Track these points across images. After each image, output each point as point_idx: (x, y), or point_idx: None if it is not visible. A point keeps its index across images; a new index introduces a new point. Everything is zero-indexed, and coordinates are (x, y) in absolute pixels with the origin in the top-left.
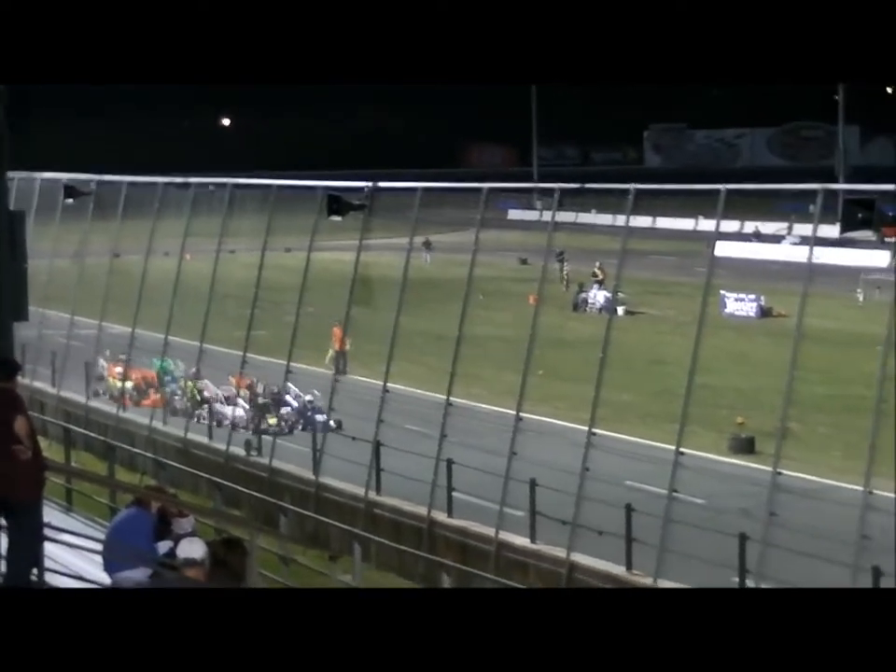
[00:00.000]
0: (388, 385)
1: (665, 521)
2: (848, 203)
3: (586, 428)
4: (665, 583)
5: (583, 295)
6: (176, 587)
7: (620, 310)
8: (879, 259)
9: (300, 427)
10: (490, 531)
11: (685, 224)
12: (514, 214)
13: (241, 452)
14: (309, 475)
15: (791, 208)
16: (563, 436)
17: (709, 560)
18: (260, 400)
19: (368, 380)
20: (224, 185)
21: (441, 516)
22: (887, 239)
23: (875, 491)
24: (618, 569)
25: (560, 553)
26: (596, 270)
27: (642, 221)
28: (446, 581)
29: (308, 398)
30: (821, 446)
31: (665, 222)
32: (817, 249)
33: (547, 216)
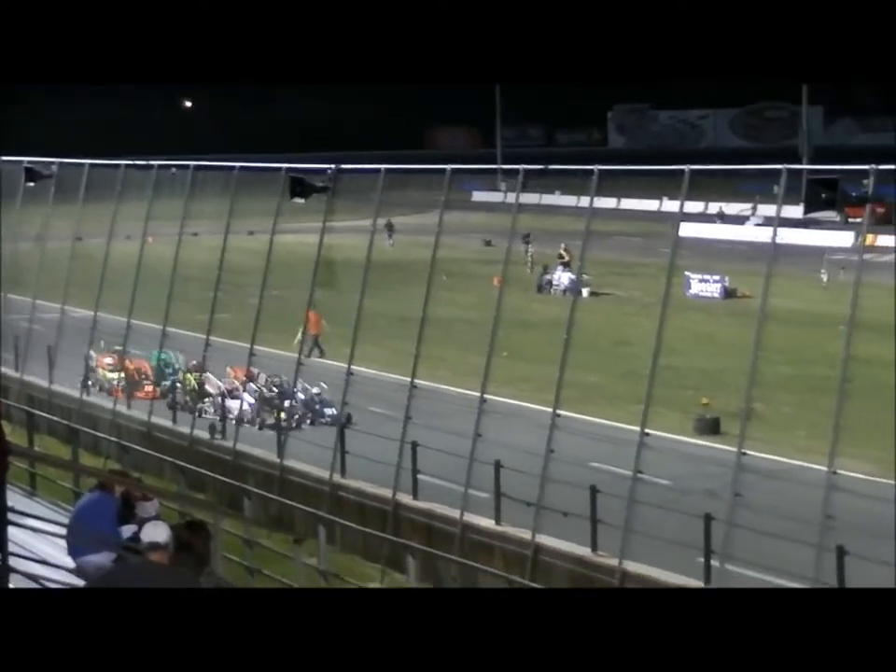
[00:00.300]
0: (352, 367)
1: (629, 502)
2: (812, 183)
3: (551, 410)
4: (669, 579)
5: (548, 276)
6: (172, 587)
7: (584, 291)
8: (843, 239)
9: (308, 422)
10: (455, 513)
11: (649, 205)
12: (478, 195)
13: (205, 435)
14: (273, 458)
15: (755, 189)
16: (527, 417)
17: (674, 541)
18: (266, 393)
19: (332, 362)
20: (186, 167)
21: (405, 498)
22: (851, 219)
23: (839, 471)
24: (583, 550)
25: (525, 534)
26: (562, 251)
27: (606, 202)
28: (411, 564)
29: (315, 390)
30: (786, 426)
31: (629, 203)
32: (781, 230)
33: (511, 197)
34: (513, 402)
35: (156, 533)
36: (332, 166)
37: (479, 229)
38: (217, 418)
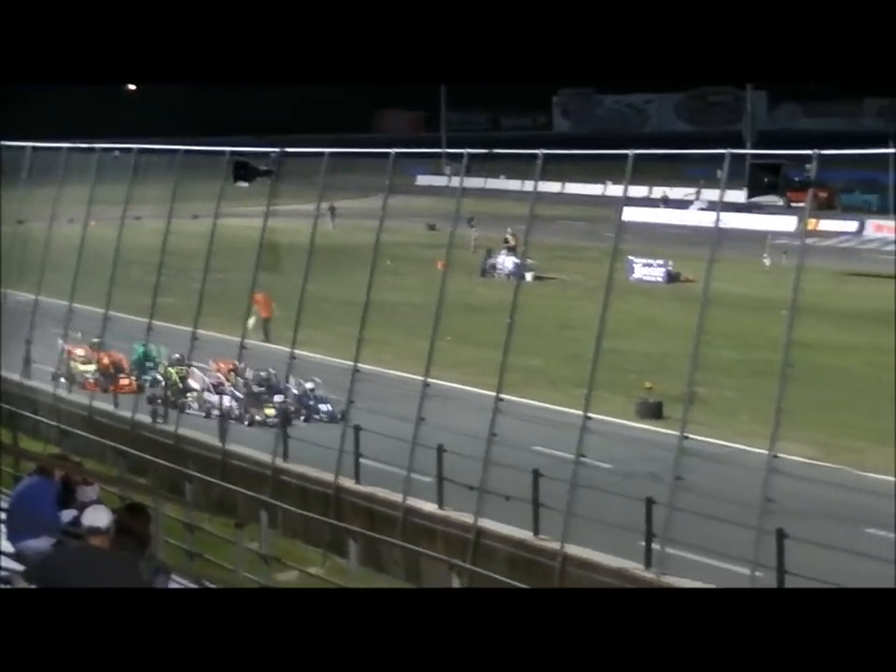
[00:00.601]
0: (296, 351)
1: (572, 486)
2: (755, 168)
3: (494, 394)
4: (610, 563)
5: (492, 260)
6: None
7: (528, 275)
8: (786, 223)
9: (301, 418)
10: (397, 497)
11: (594, 189)
12: (423, 179)
13: (146, 419)
14: (215, 442)
15: (699, 173)
16: (471, 401)
17: (616, 524)
18: (255, 389)
19: (276, 346)
20: (129, 150)
21: (348, 483)
22: (793, 204)
23: (780, 455)
24: (525, 534)
25: (468, 518)
26: (508, 235)
27: (551, 187)
28: (353, 548)
29: (309, 385)
30: (728, 410)
31: (573, 187)
32: (724, 214)
33: (455, 181)
34: (457, 386)
35: (97, 517)
36: (276, 150)
37: (423, 213)
38: (203, 415)
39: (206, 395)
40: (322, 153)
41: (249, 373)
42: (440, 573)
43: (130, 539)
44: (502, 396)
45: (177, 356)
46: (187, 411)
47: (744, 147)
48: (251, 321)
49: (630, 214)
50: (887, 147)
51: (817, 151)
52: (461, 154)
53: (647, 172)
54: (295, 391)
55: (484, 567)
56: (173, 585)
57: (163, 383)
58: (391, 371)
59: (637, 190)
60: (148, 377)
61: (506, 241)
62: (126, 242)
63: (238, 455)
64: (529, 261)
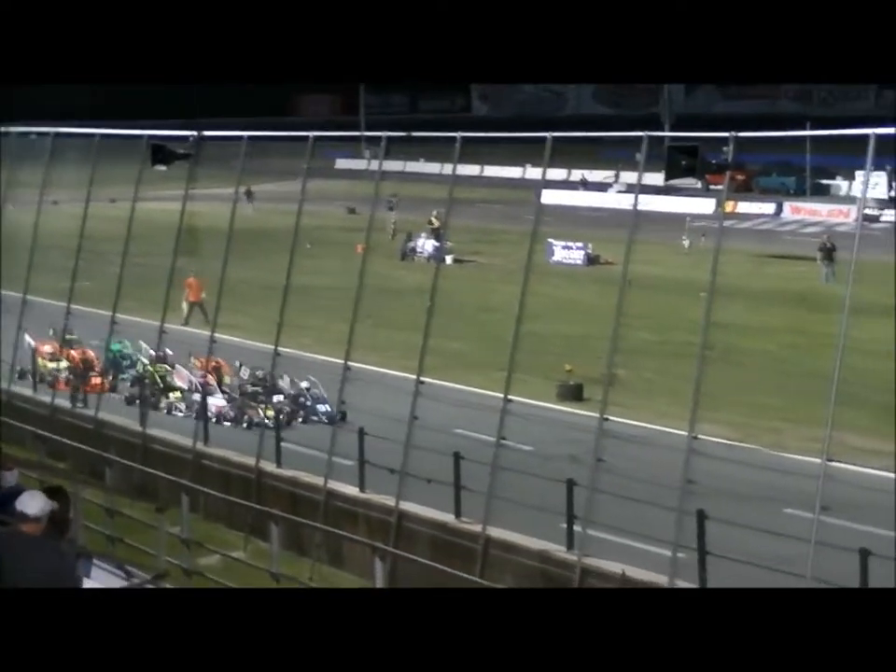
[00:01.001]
0: (216, 335)
1: (493, 468)
2: (673, 150)
3: (415, 377)
4: (531, 545)
5: (411, 244)
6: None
7: (448, 258)
8: (704, 206)
9: (299, 420)
10: (319, 480)
11: (513, 172)
12: (342, 163)
13: (66, 404)
14: (135, 426)
15: (618, 156)
16: (391, 385)
17: (537, 506)
18: (249, 388)
19: (194, 330)
20: (46, 134)
21: (269, 466)
22: (711, 186)
23: (699, 436)
24: (447, 517)
25: (389, 501)
26: (433, 218)
27: (470, 170)
28: (274, 531)
29: (304, 384)
30: (647, 392)
31: (492, 170)
32: (643, 197)
33: (375, 165)
34: (378, 369)
35: (30, 504)
36: (194, 133)
37: (343, 196)
38: (193, 415)
39: (196, 396)
40: (240, 137)
41: (245, 372)
42: (362, 556)
43: (49, 522)
44: (423, 379)
45: (159, 353)
46: (174, 412)
47: (662, 130)
48: (183, 305)
49: (549, 197)
50: (803, 129)
51: (734, 134)
52: (380, 137)
53: (566, 155)
54: (291, 391)
55: (406, 550)
56: (94, 570)
57: (144, 382)
58: (311, 355)
59: (556, 173)
60: (125, 376)
61: (430, 223)
62: (43, 226)
63: (159, 440)
64: (449, 244)
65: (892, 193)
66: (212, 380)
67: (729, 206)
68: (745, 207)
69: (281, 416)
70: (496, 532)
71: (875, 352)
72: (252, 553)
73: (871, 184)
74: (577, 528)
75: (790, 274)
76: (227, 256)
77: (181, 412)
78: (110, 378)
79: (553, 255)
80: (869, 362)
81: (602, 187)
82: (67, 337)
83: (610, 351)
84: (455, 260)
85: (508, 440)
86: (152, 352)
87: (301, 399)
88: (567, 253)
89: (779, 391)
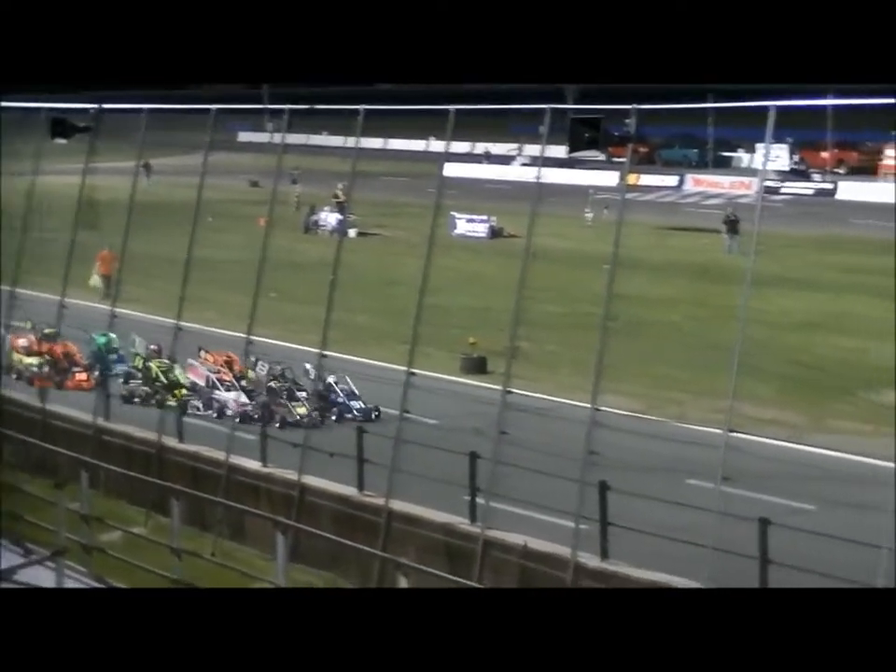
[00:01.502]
0: (117, 309)
1: (396, 441)
2: (575, 123)
3: (318, 350)
4: (435, 517)
5: (315, 217)
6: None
7: (352, 231)
8: (608, 178)
9: (332, 418)
10: (221, 455)
11: (416, 145)
12: (245, 136)
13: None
14: (35, 402)
15: (521, 129)
16: (295, 358)
17: (441, 479)
18: (274, 384)
19: (97, 305)
20: None
21: (171, 441)
22: (614, 159)
23: (602, 408)
24: (350, 490)
25: (292, 475)
26: (338, 191)
27: (373, 143)
28: (175, 507)
29: (331, 378)
30: (551, 364)
31: (396, 143)
32: (546, 170)
33: (278, 138)
34: (281, 343)
35: None
36: (94, 106)
37: (245, 169)
38: (214, 414)
39: (217, 393)
40: (141, 109)
41: (262, 367)
42: (264, 531)
43: None
44: (326, 352)
45: (154, 346)
46: (189, 410)
47: (565, 103)
48: (94, 278)
49: (452, 170)
50: (705, 102)
51: (636, 106)
52: (283, 110)
53: (469, 127)
54: (317, 386)
55: (309, 523)
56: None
57: (139, 377)
58: (214, 329)
59: (460, 146)
60: (115, 371)
61: (336, 196)
62: None
63: (59, 416)
64: (352, 217)
65: (793, 165)
66: (227, 375)
67: (632, 179)
68: (647, 179)
69: (314, 414)
70: (399, 505)
71: (777, 323)
72: (153, 529)
73: (772, 156)
74: (480, 501)
75: (692, 246)
76: (128, 229)
77: (198, 410)
78: (96, 374)
79: (456, 228)
80: (770, 333)
81: (506, 159)
82: (46, 331)
83: (514, 324)
84: (359, 234)
85: (411, 413)
86: (153, 345)
87: (332, 396)
88: (470, 226)
89: (682, 363)
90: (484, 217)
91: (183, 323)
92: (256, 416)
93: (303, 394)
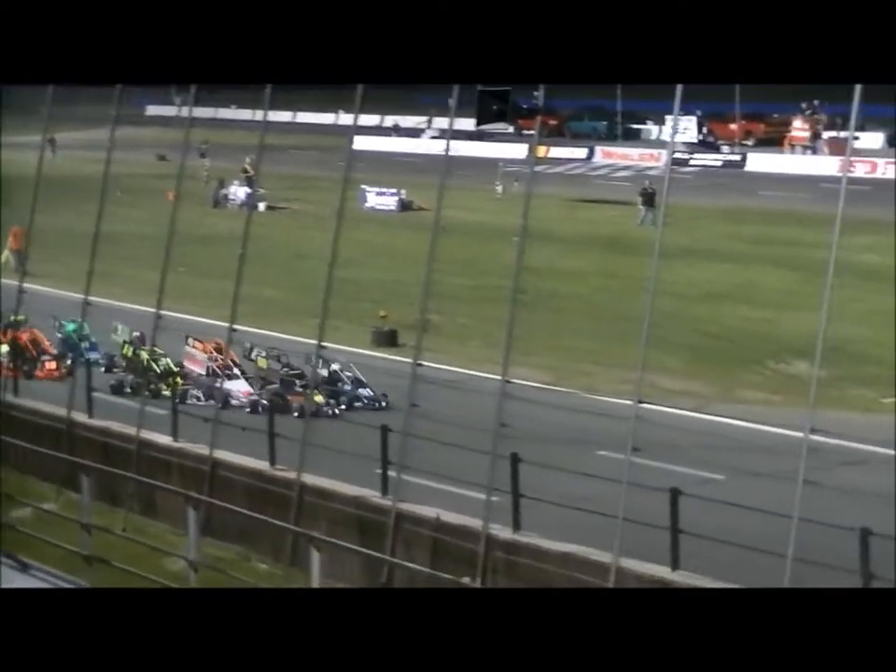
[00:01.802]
0: (25, 285)
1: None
2: (483, 95)
3: (227, 325)
4: (347, 491)
5: (224, 191)
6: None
7: (261, 205)
8: (517, 151)
9: (342, 407)
10: (132, 430)
11: (325, 118)
12: (152, 110)
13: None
14: None
15: (431, 101)
16: (204, 332)
17: (352, 452)
18: (287, 372)
19: (6, 281)
20: None
21: (81, 417)
22: (524, 131)
23: (512, 380)
24: (262, 465)
25: (203, 450)
26: (246, 165)
27: (282, 116)
28: (86, 482)
29: (335, 366)
30: (461, 337)
31: (305, 117)
32: (456, 142)
33: (185, 111)
34: (190, 318)
35: None
36: None
37: (153, 143)
38: (218, 405)
39: (226, 383)
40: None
41: (258, 353)
42: (175, 506)
43: None
44: (236, 326)
45: (136, 334)
46: (188, 400)
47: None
48: (5, 254)
49: (362, 143)
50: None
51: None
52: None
53: (379, 101)
54: (324, 373)
55: (221, 498)
56: None
57: (124, 364)
58: (123, 304)
59: (369, 119)
60: (89, 358)
61: (244, 171)
62: None
63: None
64: (261, 191)
65: (701, 137)
66: (225, 363)
67: (541, 151)
68: (557, 152)
69: (331, 401)
70: (310, 479)
71: (685, 294)
72: (64, 505)
73: (680, 128)
74: (392, 474)
75: (601, 219)
76: (34, 205)
77: (198, 399)
78: (68, 362)
79: (366, 201)
80: (679, 304)
81: (415, 132)
82: (13, 318)
83: (424, 297)
84: (268, 207)
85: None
86: (137, 333)
87: (339, 384)
88: (380, 199)
89: (591, 334)
90: (394, 191)
91: (93, 298)
92: (268, 406)
93: (302, 381)
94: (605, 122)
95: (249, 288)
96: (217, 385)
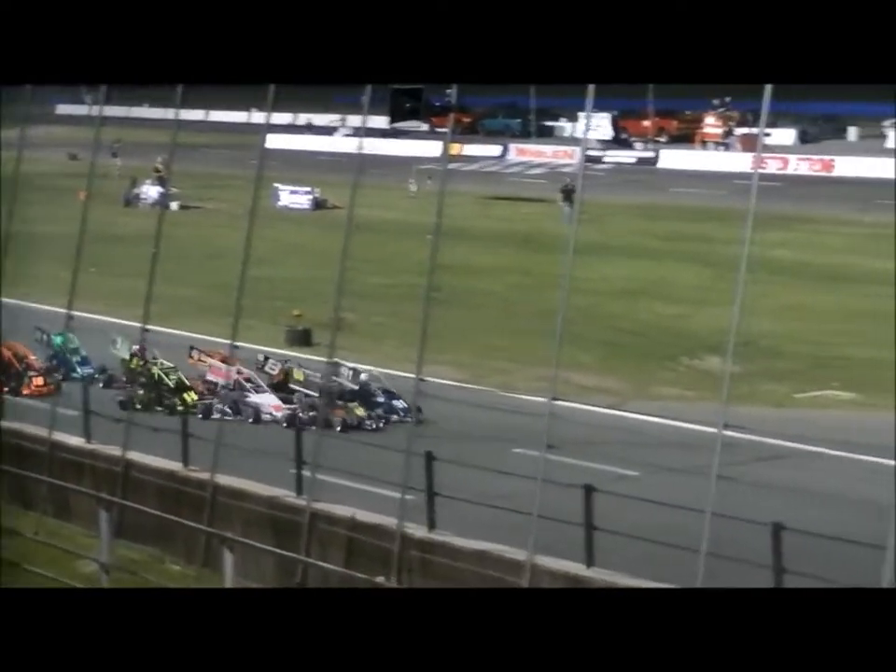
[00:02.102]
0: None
1: (221, 415)
2: (397, 93)
3: (140, 325)
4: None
5: (136, 190)
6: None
7: (173, 204)
8: (431, 149)
9: (383, 420)
10: (44, 432)
11: (238, 117)
12: (63, 108)
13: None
14: None
15: (344, 100)
16: (118, 333)
17: (266, 452)
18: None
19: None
20: None
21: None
22: (437, 129)
23: (427, 378)
24: (175, 465)
25: (115, 451)
26: (158, 165)
27: (194, 114)
28: None
29: (363, 376)
30: (376, 335)
31: (217, 115)
32: (370, 140)
33: (96, 110)
34: (102, 318)
35: None
36: None
37: (65, 142)
38: (249, 420)
39: (253, 397)
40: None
41: (273, 366)
42: (88, 508)
43: None
44: (148, 326)
45: (136, 347)
46: (214, 415)
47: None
48: None
49: (275, 141)
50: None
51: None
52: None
53: (291, 99)
54: (353, 385)
55: (134, 500)
56: None
57: (124, 379)
58: (35, 305)
59: (282, 117)
60: (80, 373)
61: (156, 170)
62: None
63: None
64: (174, 190)
65: (615, 134)
66: (240, 376)
67: (455, 149)
68: (471, 149)
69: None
70: (224, 479)
71: (599, 291)
72: None
73: (593, 125)
74: (306, 473)
75: (516, 216)
76: None
77: (225, 415)
78: (59, 378)
79: (279, 200)
80: (593, 301)
81: (328, 130)
82: None
83: (338, 295)
84: (181, 206)
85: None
86: (135, 347)
87: (373, 397)
88: (293, 197)
89: (506, 332)
90: (308, 189)
91: (3, 299)
92: (308, 420)
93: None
94: (518, 120)
95: (162, 288)
96: (247, 398)
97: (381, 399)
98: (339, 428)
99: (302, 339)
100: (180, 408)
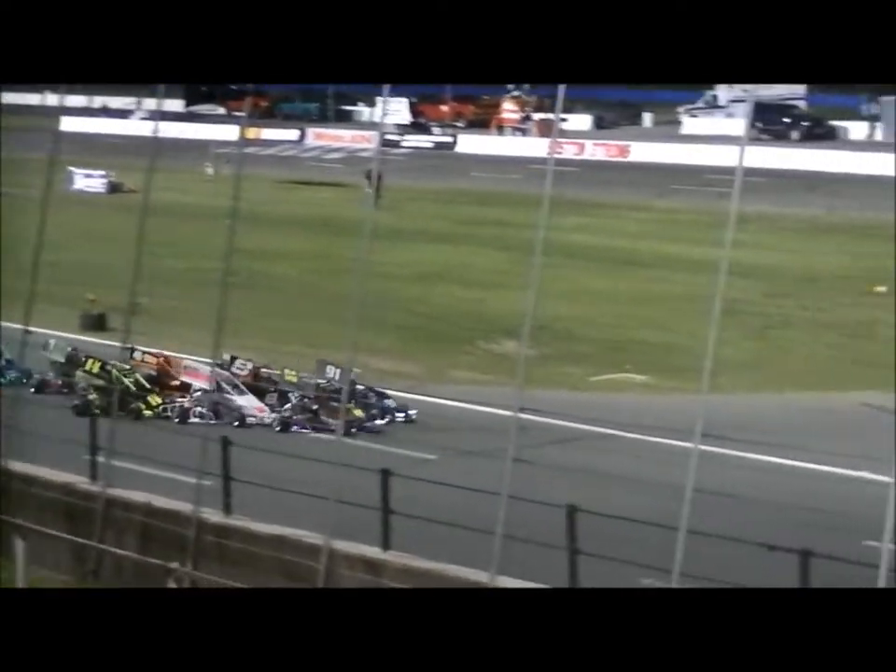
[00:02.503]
0: None
1: (15, 402)
2: None
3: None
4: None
5: None
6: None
7: None
8: (229, 132)
9: (384, 421)
10: None
11: (31, 99)
12: None
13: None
14: None
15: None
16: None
17: (62, 439)
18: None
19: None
20: None
21: None
22: (234, 113)
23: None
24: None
25: None
26: None
27: None
28: None
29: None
30: (173, 319)
31: (10, 97)
32: (167, 124)
33: None
34: None
35: None
36: None
37: None
38: (234, 423)
39: (239, 399)
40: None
41: (244, 367)
42: None
43: None
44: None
45: (70, 349)
46: (190, 420)
47: None
48: None
49: (69, 124)
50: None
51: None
52: None
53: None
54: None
55: None
56: None
57: (82, 385)
58: None
59: (76, 100)
60: (8, 379)
61: None
62: None
63: None
64: None
65: (412, 119)
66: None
67: (252, 132)
68: (269, 133)
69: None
70: (17, 466)
71: (396, 275)
72: None
73: (391, 110)
74: (101, 459)
75: (313, 200)
76: None
77: (208, 419)
78: None
79: (73, 183)
80: (390, 285)
81: (124, 113)
82: None
83: (133, 279)
84: None
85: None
86: (70, 348)
87: (365, 399)
88: (88, 181)
89: (303, 316)
90: (102, 172)
91: None
92: (300, 423)
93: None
94: (316, 104)
95: None
96: (229, 401)
97: (373, 401)
98: (343, 433)
99: (97, 323)
100: (147, 412)
